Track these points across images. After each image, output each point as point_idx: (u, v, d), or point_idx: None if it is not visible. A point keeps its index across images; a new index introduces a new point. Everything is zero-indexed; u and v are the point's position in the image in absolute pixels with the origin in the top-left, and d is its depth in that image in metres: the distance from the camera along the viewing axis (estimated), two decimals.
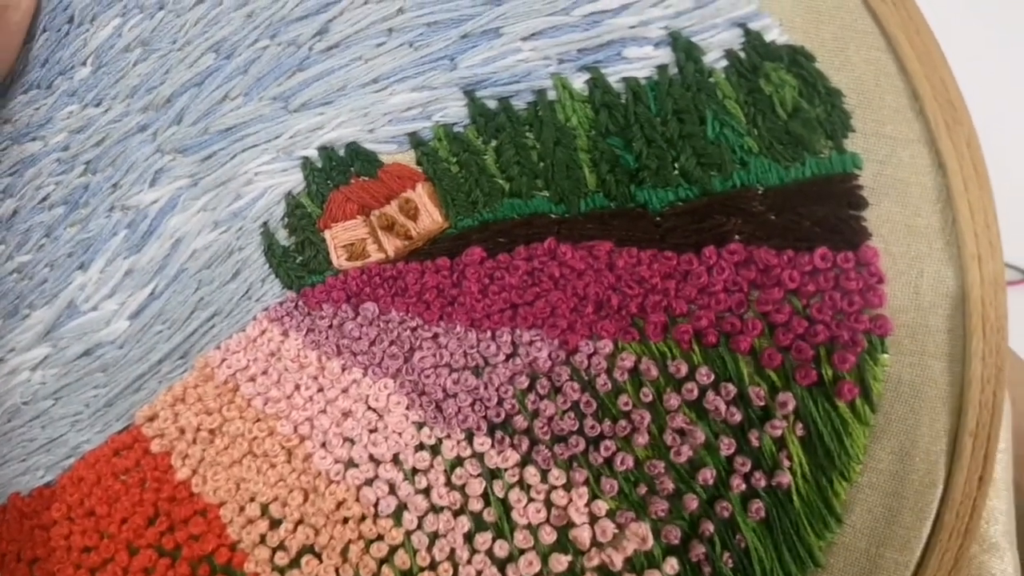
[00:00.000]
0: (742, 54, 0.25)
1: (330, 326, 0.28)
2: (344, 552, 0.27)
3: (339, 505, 0.27)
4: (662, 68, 0.26)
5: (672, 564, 0.25)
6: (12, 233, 0.31)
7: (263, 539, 0.28)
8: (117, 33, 0.30)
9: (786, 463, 0.25)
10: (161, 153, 0.29)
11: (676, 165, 0.26)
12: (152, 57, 0.29)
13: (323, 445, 0.27)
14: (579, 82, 0.27)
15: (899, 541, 0.24)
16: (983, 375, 0.23)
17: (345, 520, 0.27)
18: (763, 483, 0.25)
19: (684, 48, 0.26)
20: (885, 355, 0.24)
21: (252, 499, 0.28)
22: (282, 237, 0.28)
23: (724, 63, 0.26)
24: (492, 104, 0.27)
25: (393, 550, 0.27)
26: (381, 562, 0.27)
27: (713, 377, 0.25)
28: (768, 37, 0.25)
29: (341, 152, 0.28)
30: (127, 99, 0.30)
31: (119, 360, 0.30)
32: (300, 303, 0.28)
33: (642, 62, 0.26)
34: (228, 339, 0.28)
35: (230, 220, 0.28)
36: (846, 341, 0.24)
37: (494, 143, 0.27)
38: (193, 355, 0.29)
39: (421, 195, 0.27)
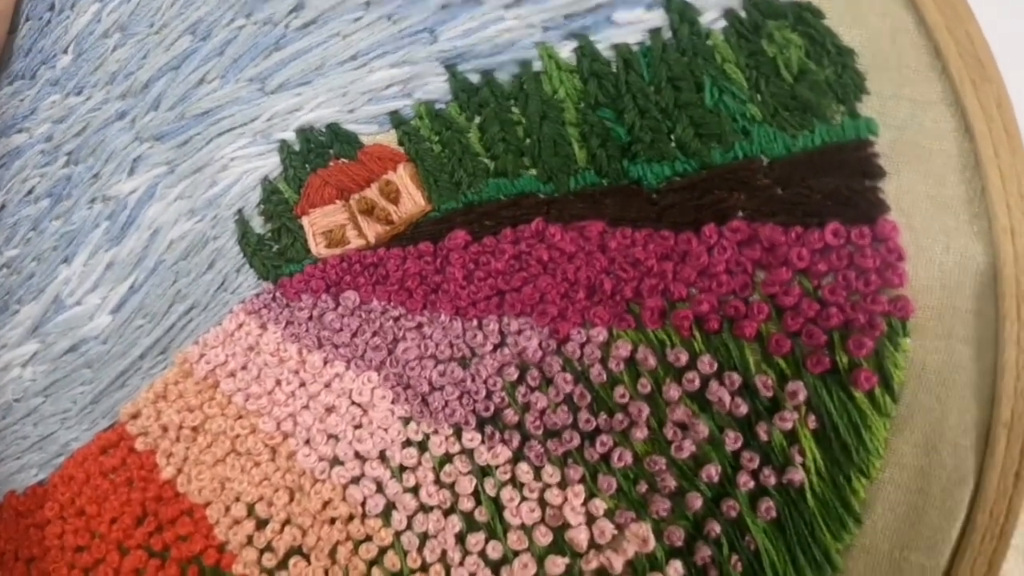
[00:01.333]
0: (742, 13, 0.24)
1: (310, 317, 0.27)
2: (332, 553, 0.27)
3: (325, 505, 0.27)
4: (655, 32, 0.25)
5: (676, 568, 0.24)
6: (1, 228, 0.31)
7: (250, 540, 0.28)
8: (96, 19, 0.30)
9: (798, 459, 0.23)
10: (139, 141, 0.29)
11: (672, 137, 0.25)
12: (130, 42, 0.29)
13: (307, 442, 0.27)
14: (566, 51, 0.26)
15: (925, 543, 0.22)
16: (1019, 361, 0.21)
17: (332, 520, 0.27)
18: (773, 480, 0.23)
19: (678, 9, 0.24)
20: (907, 339, 0.23)
21: (237, 499, 0.28)
22: (258, 225, 0.28)
23: (722, 23, 0.24)
24: (475, 78, 0.26)
25: (383, 551, 0.26)
26: (371, 564, 0.26)
27: (716, 366, 0.24)
28: None
29: (319, 134, 0.26)
30: (106, 86, 0.29)
31: (103, 356, 0.30)
32: (278, 294, 0.27)
33: (633, 26, 0.25)
34: (206, 333, 0.28)
35: (205, 208, 0.28)
36: (863, 325, 0.22)
37: (478, 120, 0.26)
38: (173, 350, 0.29)
39: (403, 177, 0.26)
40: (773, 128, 0.23)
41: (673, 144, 0.24)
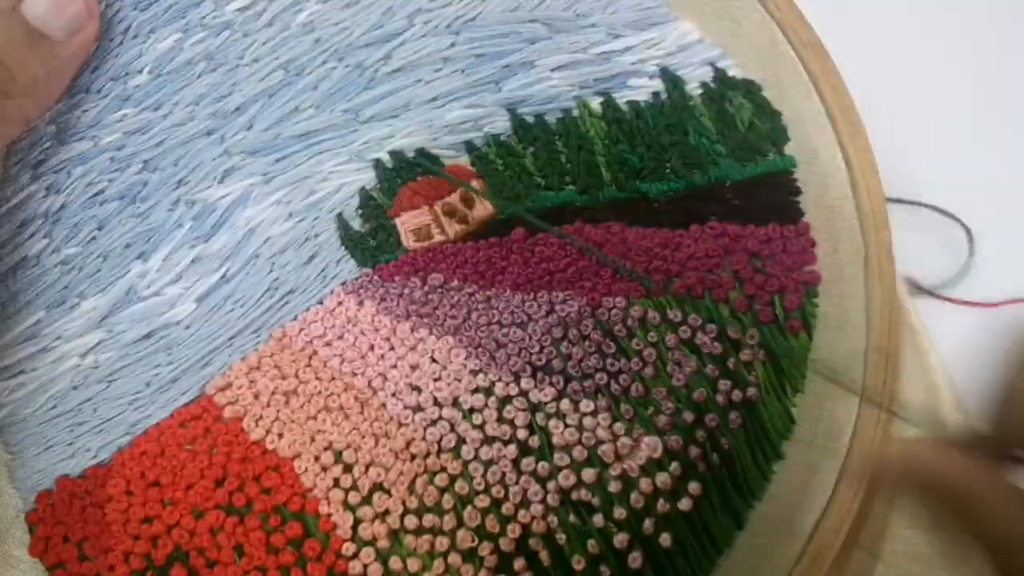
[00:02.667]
0: (712, 85, 0.35)
1: (401, 295, 0.33)
2: (411, 485, 0.33)
3: (408, 444, 0.33)
4: (656, 94, 0.35)
5: (676, 466, 0.33)
6: (59, 227, 0.34)
7: (336, 483, 0.33)
8: (179, 47, 0.34)
9: (754, 381, 0.33)
10: (230, 154, 0.34)
11: (668, 165, 0.35)
12: (220, 70, 0.34)
13: (394, 395, 0.33)
14: (595, 103, 0.36)
15: (834, 432, 0.33)
16: (881, 309, 0.33)
17: (412, 457, 0.33)
18: (739, 398, 0.33)
19: (672, 80, 0.35)
20: (816, 298, 0.34)
21: (327, 447, 0.33)
22: (356, 225, 0.34)
23: (700, 91, 0.36)
24: (530, 119, 0.35)
25: (453, 479, 0.32)
26: (443, 490, 0.32)
27: (701, 321, 0.34)
28: (730, 73, 0.35)
29: (409, 155, 0.33)
30: (191, 106, 0.34)
31: (185, 339, 0.33)
32: (375, 277, 0.34)
33: (642, 89, 0.35)
34: (305, 312, 0.33)
35: (305, 211, 0.33)
36: (791, 289, 0.34)
37: (532, 149, 0.35)
38: (267, 329, 0.33)
39: (476, 189, 0.34)
40: (733, 161, 0.35)
41: (669, 170, 0.35)
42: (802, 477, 0.33)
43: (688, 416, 0.33)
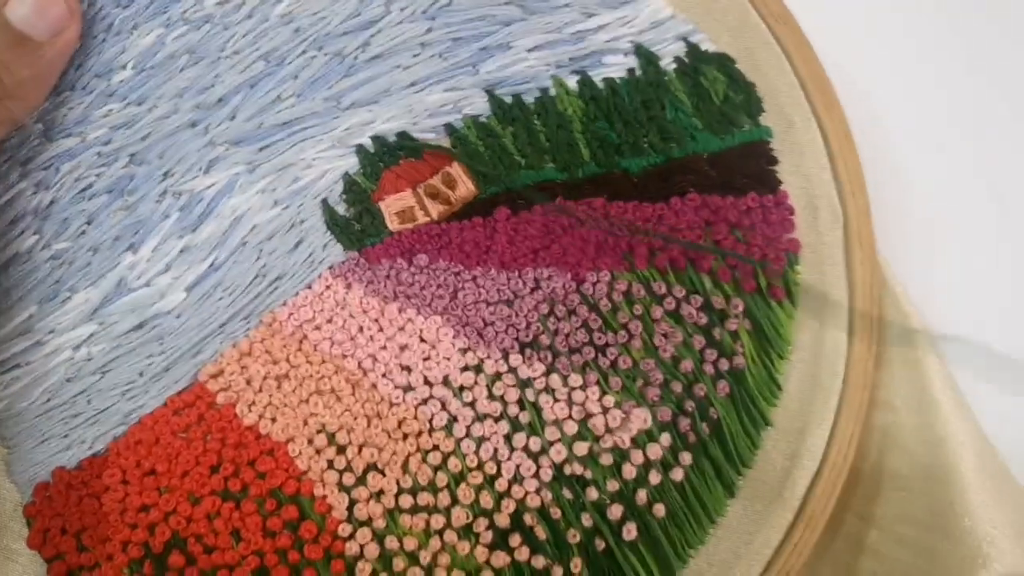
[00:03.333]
0: (686, 59, 0.36)
1: (388, 276, 0.34)
2: (405, 465, 0.33)
3: (400, 424, 0.33)
4: (631, 71, 0.36)
5: (666, 437, 0.34)
6: (49, 223, 0.34)
7: (331, 464, 0.33)
8: (160, 42, 0.35)
9: (740, 350, 0.34)
10: (214, 145, 0.34)
11: (646, 140, 0.36)
12: (201, 63, 0.35)
13: (384, 375, 0.33)
14: (572, 82, 0.37)
15: (822, 398, 0.34)
16: (862, 275, 0.34)
17: (405, 436, 0.33)
18: (726, 367, 0.34)
19: (646, 56, 0.36)
20: (798, 266, 0.34)
21: (320, 430, 0.33)
22: (341, 210, 0.34)
23: (674, 66, 0.36)
24: (508, 99, 0.36)
25: (446, 457, 0.33)
26: (436, 468, 0.33)
27: (685, 292, 0.34)
28: (703, 47, 0.36)
29: (390, 140, 0.34)
30: (174, 99, 0.34)
31: (176, 328, 0.34)
32: (361, 260, 0.34)
33: (616, 66, 0.36)
34: (295, 296, 0.34)
35: (290, 198, 0.34)
36: (773, 258, 0.34)
37: (511, 129, 0.36)
38: (257, 315, 0.34)
39: (457, 170, 0.34)
40: (709, 133, 0.36)
41: (647, 145, 0.36)
42: (791, 442, 0.34)
43: (676, 387, 0.34)
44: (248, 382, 0.34)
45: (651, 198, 0.35)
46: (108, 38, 0.34)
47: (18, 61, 0.32)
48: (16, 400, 0.34)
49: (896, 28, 0.38)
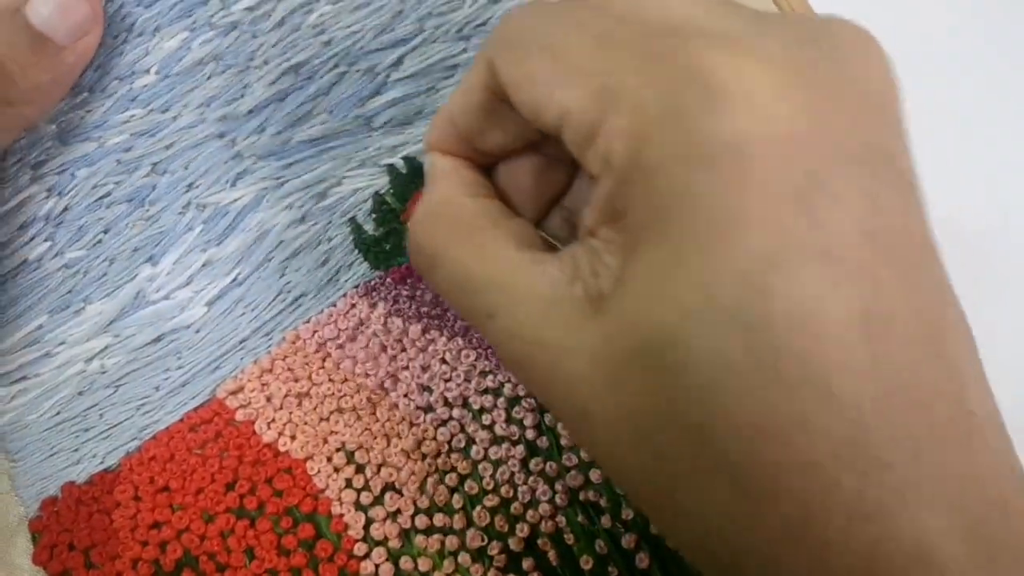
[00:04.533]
0: None
1: (412, 297, 0.34)
2: (422, 485, 0.34)
3: (419, 444, 0.34)
4: None
5: None
6: (63, 230, 0.34)
7: (349, 483, 0.34)
8: (185, 47, 0.34)
9: None
10: (241, 158, 0.34)
11: None
12: (229, 72, 0.34)
13: (405, 395, 0.34)
14: None
15: None
16: None
17: (423, 457, 0.34)
18: None
19: None
20: None
21: (340, 448, 0.34)
22: (369, 229, 0.34)
23: None
24: None
25: (463, 479, 0.34)
26: (452, 490, 0.34)
27: None
28: None
29: (422, 161, 0.34)
30: (200, 108, 0.34)
31: (195, 343, 0.34)
32: (387, 280, 0.34)
33: None
34: (319, 314, 0.33)
35: (318, 215, 0.34)
36: None
37: None
38: (279, 332, 0.34)
39: None
40: None
41: None
42: None
43: None
44: (268, 399, 0.34)
45: None
46: (130, 39, 0.33)
47: (37, 65, 0.31)
48: (24, 413, 0.33)
49: (942, 35, 0.38)
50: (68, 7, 0.31)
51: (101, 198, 0.34)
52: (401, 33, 0.35)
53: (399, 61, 0.35)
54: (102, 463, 0.33)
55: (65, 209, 0.34)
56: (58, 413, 0.33)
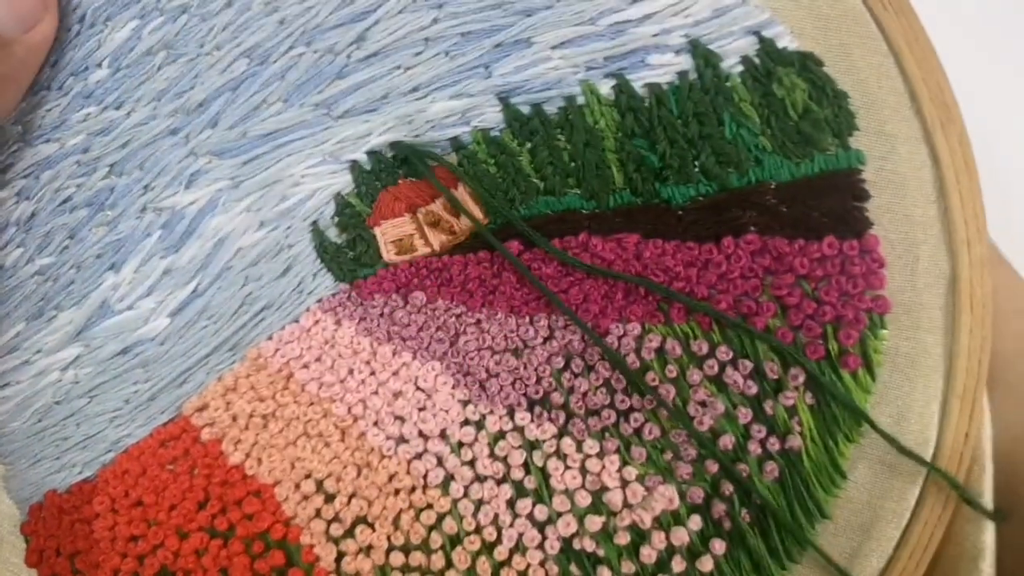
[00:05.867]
0: (756, 60, 0.29)
1: (381, 314, 0.31)
2: (396, 521, 0.31)
3: (391, 477, 0.31)
4: (683, 74, 0.30)
5: (696, 521, 0.30)
6: (32, 236, 0.33)
7: (318, 513, 0.31)
8: (136, 35, 0.31)
9: (797, 428, 0.28)
10: (195, 156, 0.31)
11: (696, 164, 0.29)
12: (179, 61, 0.31)
13: (375, 423, 0.31)
14: (606, 88, 0.30)
15: (897, 493, 0.29)
16: (970, 346, 0.28)
17: (397, 491, 0.31)
18: (776, 447, 0.29)
19: (703, 55, 0.29)
20: (884, 331, 0.29)
21: (307, 476, 0.32)
22: (332, 235, 0.31)
23: (740, 68, 0.29)
24: (526, 109, 0.30)
25: (441, 517, 0.31)
26: (430, 528, 0.31)
27: (732, 354, 0.29)
28: (780, 44, 0.28)
29: (388, 155, 0.29)
30: (152, 102, 0.31)
31: (160, 356, 0.32)
32: (353, 294, 0.31)
33: (664, 68, 0.29)
34: (281, 330, 0.31)
35: (278, 219, 0.31)
36: (850, 319, 0.28)
37: (529, 145, 0.30)
38: (243, 348, 0.32)
39: (463, 194, 0.29)
40: (780, 157, 0.29)
41: (697, 170, 0.29)
42: (852, 539, 0.28)
43: (712, 465, 0.28)
44: (234, 419, 0.32)
45: (698, 237, 0.29)
46: (83, 31, 0.31)
47: None
48: (9, 419, 0.33)
49: None
50: None
51: (64, 202, 0.32)
52: (363, 5, 0.30)
53: (361, 38, 0.30)
54: (81, 473, 0.33)
55: (33, 214, 0.33)
56: (40, 420, 0.33)
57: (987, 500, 0.28)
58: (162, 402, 0.32)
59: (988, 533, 0.28)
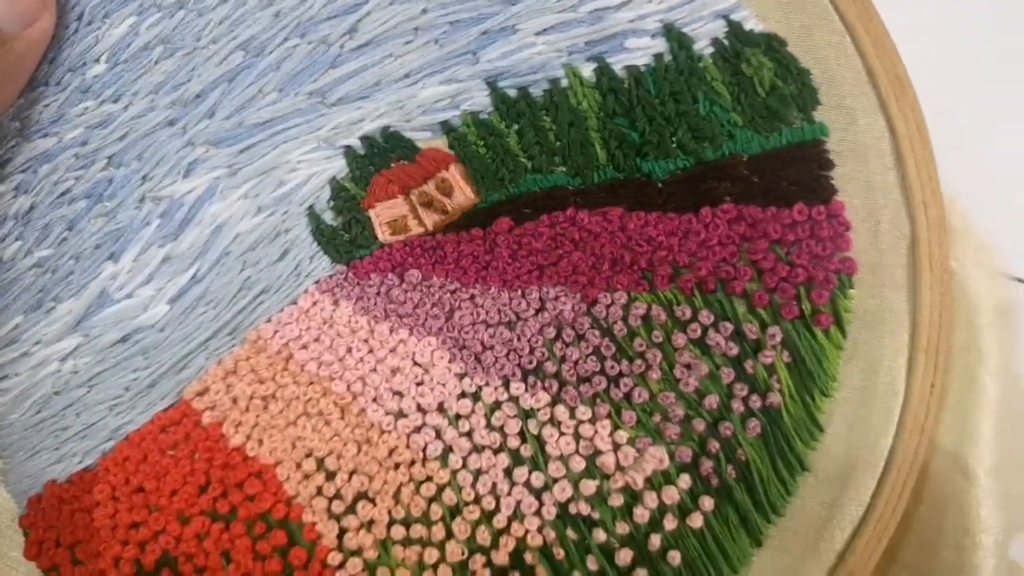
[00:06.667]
0: (725, 42, 0.31)
1: (378, 293, 0.32)
2: (396, 495, 0.32)
3: (391, 452, 0.32)
4: (658, 56, 0.32)
5: (685, 479, 0.31)
6: (30, 228, 0.33)
7: (320, 491, 0.32)
8: (134, 31, 0.32)
9: (776, 385, 0.30)
10: (193, 146, 0.32)
11: (674, 139, 0.31)
12: (176, 55, 0.32)
13: (375, 400, 0.32)
14: (587, 71, 0.32)
15: (870, 443, 0.31)
16: (931, 301, 0.29)
17: (397, 465, 0.32)
18: (758, 404, 0.30)
19: (676, 38, 0.31)
20: (852, 290, 0.31)
21: (308, 455, 0.32)
22: (328, 218, 0.32)
23: (711, 50, 0.31)
24: (512, 93, 0.32)
25: (441, 489, 0.32)
26: (430, 500, 0.32)
27: (713, 318, 0.31)
28: (747, 26, 0.31)
29: (381, 140, 0.31)
30: (150, 95, 0.32)
31: (160, 343, 0.33)
32: (350, 275, 0.32)
33: (641, 51, 0.31)
34: (280, 312, 0.32)
35: (274, 205, 0.32)
36: (821, 280, 0.30)
37: (516, 127, 0.32)
38: (242, 331, 0.33)
39: (454, 174, 0.31)
40: (751, 131, 0.31)
41: (675, 145, 0.32)
42: (832, 490, 0.30)
43: (699, 425, 0.31)
44: (234, 401, 0.32)
45: (678, 208, 0.31)
46: (80, 28, 0.32)
47: None
48: (7, 411, 0.34)
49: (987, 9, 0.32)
50: None
51: (62, 195, 0.33)
52: None
53: (353, 29, 0.31)
54: (81, 462, 0.33)
55: (31, 207, 0.33)
56: (38, 412, 0.34)
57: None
58: (162, 388, 0.33)
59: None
